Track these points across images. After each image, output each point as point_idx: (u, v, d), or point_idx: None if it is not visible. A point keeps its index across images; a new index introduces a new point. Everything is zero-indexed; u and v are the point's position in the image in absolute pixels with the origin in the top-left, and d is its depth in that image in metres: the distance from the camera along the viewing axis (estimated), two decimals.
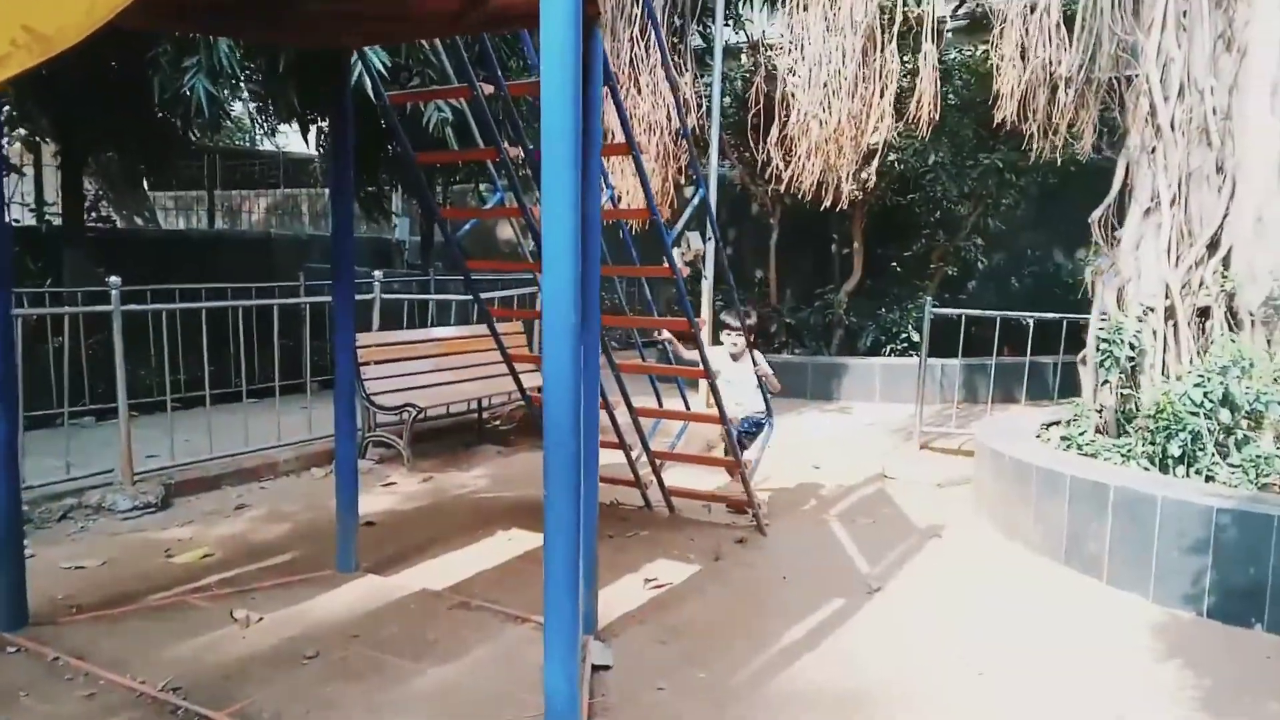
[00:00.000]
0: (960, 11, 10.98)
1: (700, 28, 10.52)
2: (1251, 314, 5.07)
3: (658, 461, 5.44)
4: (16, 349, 5.21)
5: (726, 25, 9.53)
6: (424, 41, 7.20)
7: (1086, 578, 4.65)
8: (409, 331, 7.45)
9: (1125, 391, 5.45)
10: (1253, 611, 4.12)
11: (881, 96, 8.03)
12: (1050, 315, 7.69)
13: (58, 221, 10.63)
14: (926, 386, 7.72)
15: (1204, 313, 5.25)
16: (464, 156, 7.12)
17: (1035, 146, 6.66)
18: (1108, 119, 6.50)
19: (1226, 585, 4.18)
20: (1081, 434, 5.37)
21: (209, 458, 6.01)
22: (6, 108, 8.52)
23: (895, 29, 7.93)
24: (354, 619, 3.87)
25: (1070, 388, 8.31)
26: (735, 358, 5.81)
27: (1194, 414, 4.69)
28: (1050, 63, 5.99)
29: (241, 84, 8.35)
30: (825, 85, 7.97)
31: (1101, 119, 6.20)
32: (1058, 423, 6.02)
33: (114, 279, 5.51)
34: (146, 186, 15.40)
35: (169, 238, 14.39)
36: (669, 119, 8.87)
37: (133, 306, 5.78)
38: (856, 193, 9.11)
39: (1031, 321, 7.51)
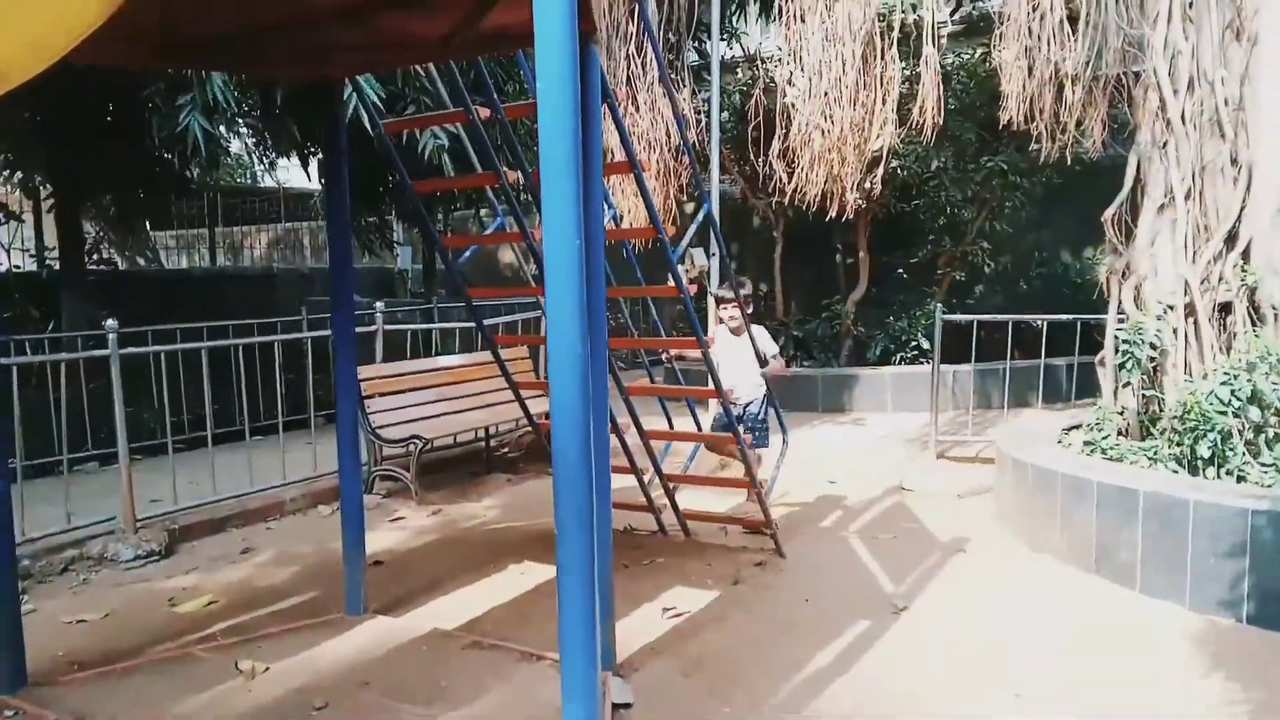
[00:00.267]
0: (956, 16, 10.90)
1: (696, 43, 10.48)
2: (1275, 308, 4.92)
3: (671, 485, 5.31)
4: (12, 407, 5.16)
5: (722, 40, 9.46)
6: (419, 68, 7.14)
7: (1119, 587, 4.51)
8: (413, 362, 7.35)
9: (1147, 392, 5.30)
10: None
11: (884, 103, 7.94)
12: (1063, 317, 7.56)
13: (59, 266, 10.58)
14: (939, 394, 7.57)
15: (1225, 308, 5.10)
16: (462, 183, 7.05)
17: (1044, 147, 6.54)
18: (1116, 115, 6.38)
19: (1266, 589, 4.03)
20: (1105, 438, 5.23)
21: (213, 500, 5.89)
22: None
23: (895, 35, 7.84)
24: (364, 664, 3.74)
25: (1085, 389, 8.18)
26: (735, 332, 5.67)
27: (1222, 413, 4.55)
28: (1056, 62, 5.87)
29: (238, 120, 8.31)
30: (826, 94, 7.88)
31: (1110, 116, 6.07)
32: (1078, 426, 5.88)
33: (110, 323, 5.42)
34: (148, 227, 15.36)
35: (171, 277, 14.36)
36: (668, 136, 8.79)
37: (131, 350, 5.68)
38: (860, 201, 9.00)
39: (1044, 324, 7.38)
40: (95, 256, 12.27)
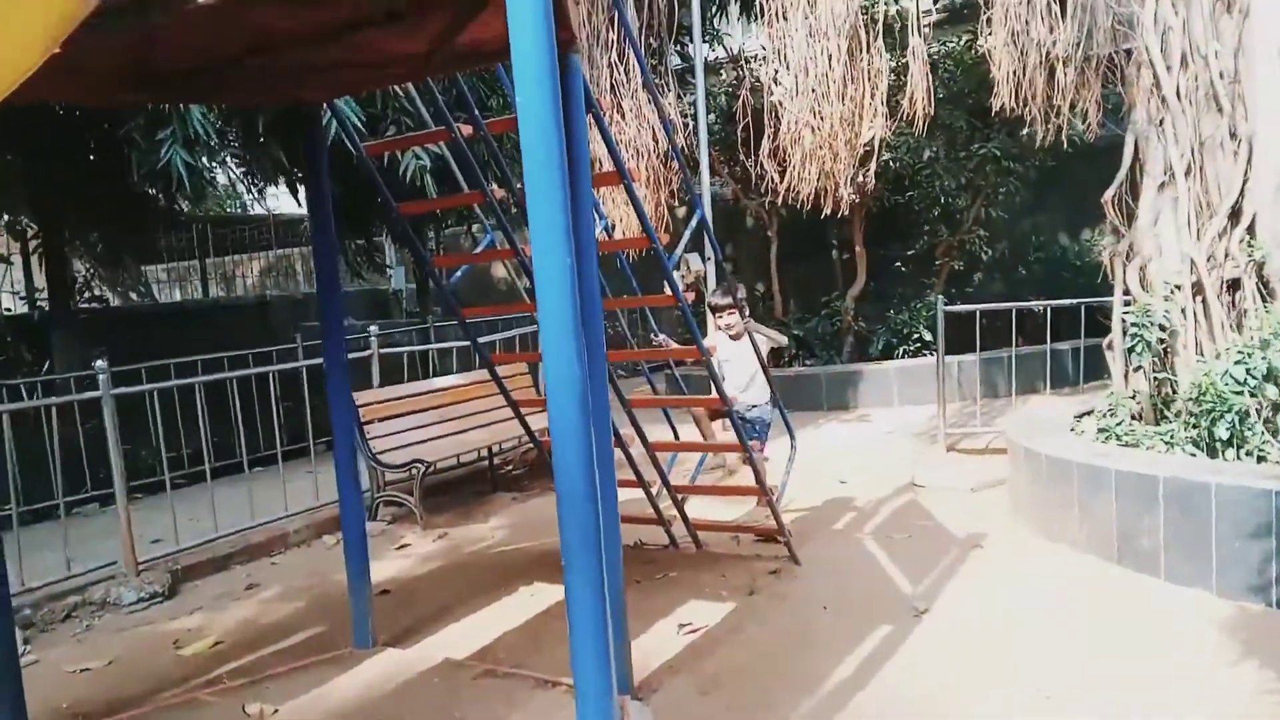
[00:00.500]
0: (938, 5, 10.83)
1: (678, 47, 10.40)
2: None
3: (679, 496, 5.21)
4: (3, 454, 5.06)
5: (705, 41, 9.39)
6: (398, 89, 7.05)
7: (1143, 576, 4.40)
8: (410, 385, 7.25)
9: (1159, 375, 5.21)
10: None
11: (873, 97, 7.85)
12: (1066, 301, 7.47)
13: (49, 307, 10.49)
14: (945, 385, 7.47)
15: (1233, 285, 5.01)
16: (449, 203, 6.95)
17: (1039, 130, 6.45)
18: (1108, 96, 6.28)
19: None
20: (1119, 424, 5.13)
21: (215, 537, 5.79)
22: None
23: (880, 26, 7.76)
24: (374, 700, 3.64)
25: (1093, 372, 8.09)
26: (735, 338, 5.58)
27: (1238, 392, 4.45)
28: (1045, 44, 5.78)
29: (221, 150, 8.22)
30: (813, 91, 7.79)
31: (1102, 96, 5.98)
32: (1090, 413, 5.78)
33: (100, 363, 5.33)
34: (139, 262, 15.28)
35: (164, 310, 14.26)
36: (655, 142, 8.71)
37: (123, 389, 5.59)
38: (854, 196, 8.91)
39: (1047, 309, 7.28)
40: (86, 295, 12.19)
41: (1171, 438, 4.79)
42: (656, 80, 9.16)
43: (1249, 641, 3.67)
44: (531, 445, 6.52)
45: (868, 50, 7.87)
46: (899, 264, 11.53)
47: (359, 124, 6.58)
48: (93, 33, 2.16)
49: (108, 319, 11.96)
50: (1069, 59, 5.56)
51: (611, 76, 8.45)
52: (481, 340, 5.84)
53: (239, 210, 21.52)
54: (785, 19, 7.69)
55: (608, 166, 7.32)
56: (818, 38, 7.60)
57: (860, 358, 10.66)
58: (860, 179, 8.84)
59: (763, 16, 8.02)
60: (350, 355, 6.51)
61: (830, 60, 7.65)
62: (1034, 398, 8.18)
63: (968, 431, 7.51)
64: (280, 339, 10.48)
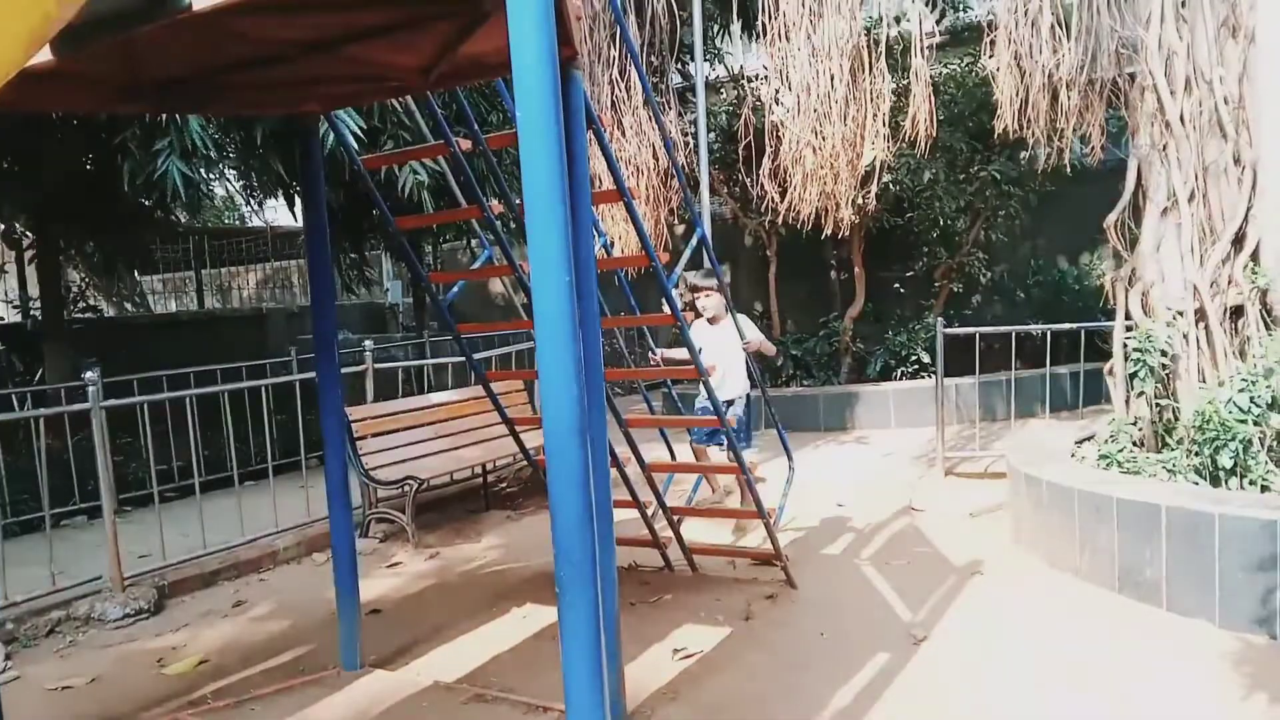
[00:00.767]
0: (941, 26, 10.84)
1: (679, 65, 10.40)
2: None
3: (675, 517, 5.14)
4: None
5: (706, 60, 9.38)
6: (397, 103, 7.02)
7: (1145, 606, 4.34)
8: (405, 400, 7.18)
9: (1161, 401, 5.16)
10: None
11: (875, 118, 7.83)
12: (1065, 325, 7.44)
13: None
14: (943, 408, 7.42)
15: (1236, 312, 4.97)
16: (447, 218, 6.91)
17: (1041, 153, 6.43)
18: (1108, 119, 6.26)
19: None
20: (1121, 450, 5.07)
21: (204, 553, 5.70)
22: None
23: (883, 47, 7.75)
24: None
25: (1092, 396, 8.05)
26: (713, 321, 5.48)
27: (1242, 421, 4.40)
28: (1049, 67, 5.76)
29: (219, 162, 8.17)
30: (815, 111, 7.77)
31: (1105, 120, 5.96)
32: (1090, 438, 5.72)
33: (90, 375, 5.25)
34: (136, 273, 15.22)
35: (159, 321, 14.20)
36: (656, 159, 8.69)
37: (113, 402, 5.51)
38: (854, 217, 8.88)
39: (1047, 333, 7.24)
40: (81, 304, 12.12)
41: (1174, 466, 4.73)
42: (658, 98, 9.15)
43: (1255, 675, 3.60)
44: (526, 463, 6.45)
45: (870, 71, 7.86)
46: (898, 285, 11.50)
47: (359, 134, 6.54)
48: (83, 40, 2.12)
49: (101, 329, 11.91)
50: (1073, 82, 5.54)
51: (613, 93, 8.44)
52: (477, 356, 5.80)
53: (237, 222, 21.51)
54: (788, 39, 7.68)
55: (607, 183, 7.29)
56: (820, 58, 7.59)
57: (858, 379, 10.61)
58: (861, 200, 8.81)
59: (765, 35, 8.01)
60: (345, 369, 6.46)
61: (833, 80, 7.63)
62: (1032, 421, 8.12)
63: (966, 455, 7.45)
64: (276, 351, 10.43)
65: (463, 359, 6.39)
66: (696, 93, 8.05)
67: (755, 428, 9.23)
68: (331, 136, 5.70)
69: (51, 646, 4.78)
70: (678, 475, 5.97)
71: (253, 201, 13.21)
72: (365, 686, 3.94)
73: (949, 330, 7.38)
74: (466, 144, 4.04)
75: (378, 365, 7.27)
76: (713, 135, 10.09)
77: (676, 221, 10.38)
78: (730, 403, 5.62)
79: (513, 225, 6.81)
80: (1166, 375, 5.08)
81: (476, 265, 5.36)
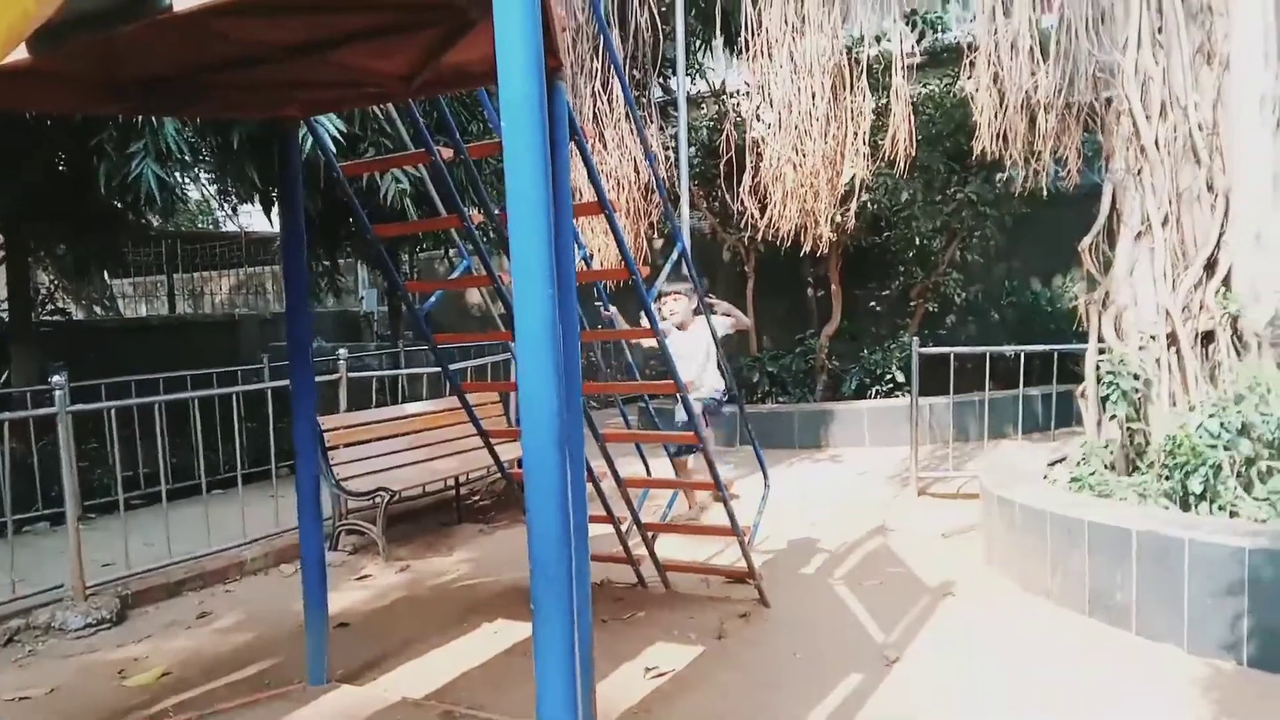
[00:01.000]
0: (920, 47, 10.96)
1: (661, 79, 10.43)
2: (1258, 335, 4.85)
3: (650, 534, 5.11)
4: None
5: (688, 75, 9.42)
6: (378, 109, 6.98)
7: (1116, 629, 4.36)
8: (377, 410, 7.10)
9: (1133, 425, 5.20)
10: None
11: (855, 137, 7.88)
12: (1039, 347, 7.50)
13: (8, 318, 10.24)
14: (917, 427, 7.45)
15: (1208, 337, 5.03)
16: (426, 226, 6.86)
17: (1019, 175, 6.49)
18: (1084, 142, 6.34)
19: (1266, 630, 3.90)
20: (1092, 473, 5.10)
21: (169, 563, 5.59)
22: None
23: (864, 66, 7.81)
24: None
25: (1063, 418, 8.13)
26: (681, 328, 5.46)
27: (1213, 446, 4.44)
28: (1027, 90, 5.83)
29: (194, 165, 8.08)
30: (796, 128, 7.81)
31: (1081, 143, 6.04)
32: (1062, 460, 5.76)
33: (57, 379, 5.15)
34: (105, 275, 14.99)
35: (128, 326, 13.99)
36: (637, 173, 8.69)
37: (80, 406, 5.40)
38: (832, 235, 8.93)
39: (1022, 354, 7.30)
40: (49, 307, 11.92)
41: (1145, 489, 4.76)
42: (639, 112, 9.16)
43: (1222, 701, 3.62)
44: (500, 476, 6.40)
45: (851, 90, 7.91)
46: (874, 304, 11.56)
47: (340, 138, 6.48)
48: (61, 39, 2.08)
49: (69, 332, 11.71)
50: (1050, 105, 5.60)
51: (594, 106, 8.44)
52: (453, 367, 5.73)
53: (211, 226, 21.28)
54: (770, 56, 7.71)
55: (588, 195, 7.28)
56: (802, 75, 7.64)
57: (833, 397, 10.63)
58: (840, 218, 8.85)
59: (747, 51, 8.05)
60: (318, 378, 6.38)
61: (814, 98, 7.67)
62: (1005, 442, 8.17)
63: (939, 475, 7.48)
64: (247, 358, 10.30)
65: (438, 369, 6.34)
66: (679, 107, 8.07)
67: (731, 444, 9.27)
68: (310, 142, 5.64)
69: (10, 656, 4.67)
70: (653, 490, 5.94)
71: (226, 206, 13.07)
72: (331, 702, 3.87)
73: (924, 350, 7.42)
74: (448, 153, 4.01)
75: (351, 375, 7.19)
76: (693, 150, 10.11)
77: (655, 235, 10.37)
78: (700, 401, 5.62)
79: (492, 235, 6.78)
80: (1138, 399, 5.12)
81: (455, 275, 5.32)
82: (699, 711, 3.68)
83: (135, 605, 5.28)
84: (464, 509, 7.33)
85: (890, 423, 9.41)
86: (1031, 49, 5.79)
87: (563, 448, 2.06)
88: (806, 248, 8.86)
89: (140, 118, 6.15)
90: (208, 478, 6.23)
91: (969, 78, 6.74)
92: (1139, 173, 5.15)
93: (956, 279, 10.60)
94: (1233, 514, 4.41)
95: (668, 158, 9.52)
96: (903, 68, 7.66)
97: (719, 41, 10.43)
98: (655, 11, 8.89)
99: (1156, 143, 5.05)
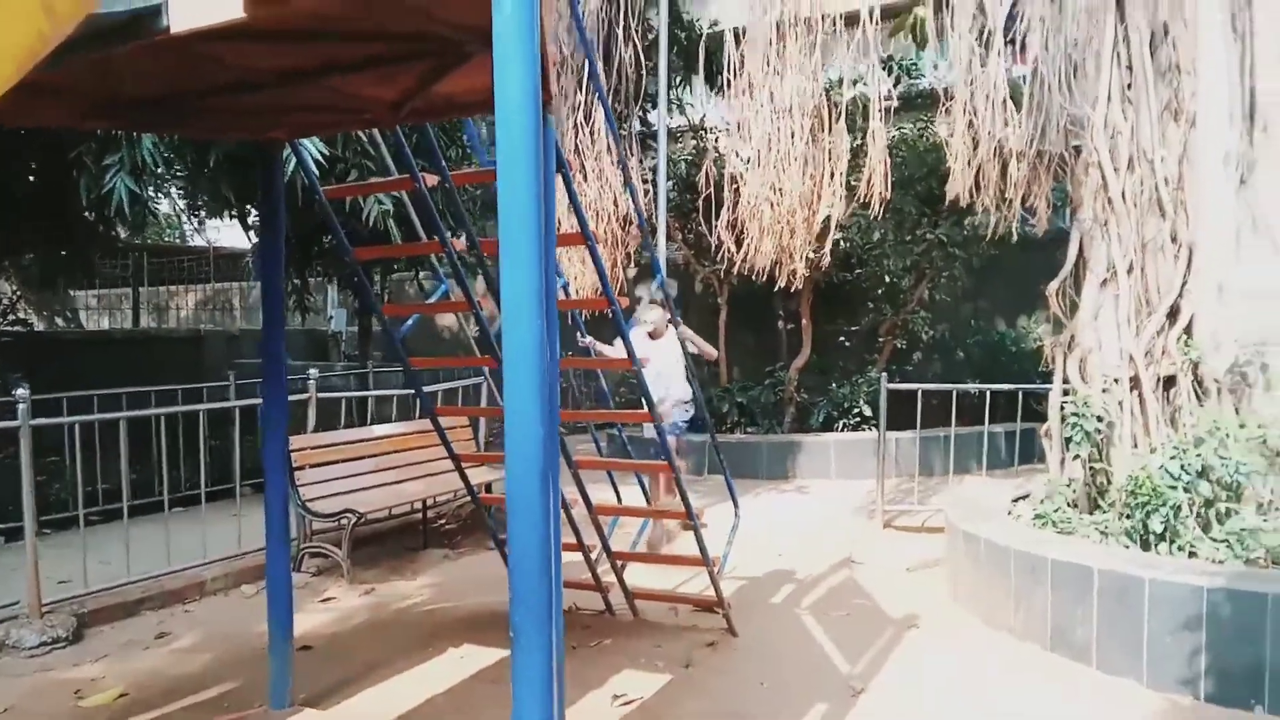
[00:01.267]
0: (897, 89, 11.21)
1: (642, 113, 10.55)
2: (1218, 381, 5.00)
3: (619, 562, 5.12)
4: None
5: (669, 110, 9.55)
6: (362, 133, 7.00)
7: (1076, 665, 4.43)
8: (346, 431, 7.05)
9: (1095, 464, 5.31)
10: (1252, 693, 3.95)
11: (832, 177, 8.01)
12: (1004, 386, 7.63)
13: None
14: (884, 461, 7.54)
15: (1169, 381, 5.16)
16: (407, 251, 6.86)
17: (990, 220, 6.64)
18: (1055, 189, 6.52)
19: (1223, 666, 4.00)
20: (1055, 510, 5.20)
21: (127, 581, 5.49)
22: None
23: (842, 108, 7.96)
24: None
25: (1026, 455, 8.26)
26: (654, 336, 5.50)
27: (1173, 487, 4.55)
28: (1000, 139, 6.00)
29: (168, 181, 8.04)
30: (775, 166, 7.93)
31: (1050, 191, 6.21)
32: (1026, 497, 5.86)
33: (21, 391, 5.07)
34: (68, 288, 14.77)
35: (91, 338, 13.79)
36: (615, 204, 8.77)
37: (42, 420, 5.32)
38: (806, 271, 9.05)
39: (987, 392, 7.42)
40: (10, 318, 11.73)
41: (1106, 528, 4.86)
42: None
43: None
44: (468, 499, 6.37)
45: (829, 131, 8.06)
46: (843, 339, 11.69)
47: (320, 161, 6.48)
48: (60, 57, 2.08)
49: (30, 344, 11.52)
50: (1022, 154, 5.76)
51: (576, 138, 8.52)
52: (424, 390, 5.72)
53: (178, 240, 21.07)
54: (751, 96, 7.85)
55: (567, 225, 7.33)
56: (781, 115, 7.77)
57: (800, 428, 10.72)
58: (814, 255, 8.98)
59: (728, 90, 8.18)
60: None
61: (793, 137, 7.81)
62: (969, 478, 8.28)
63: (904, 509, 7.56)
64: (212, 374, 10.17)
65: (408, 391, 6.31)
66: (659, 140, 8.17)
67: (700, 474, 9.29)
68: (292, 163, 5.65)
69: None
70: (623, 518, 5.95)
71: (194, 220, 12.97)
72: None
73: (892, 385, 7.52)
74: (433, 179, 4.04)
75: (321, 395, 7.13)
76: (671, 183, 10.22)
77: (631, 264, 10.45)
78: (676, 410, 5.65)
79: (469, 259, 6.80)
80: (1101, 440, 5.23)
81: (433, 299, 5.32)
82: None
83: (92, 624, 5.17)
84: (430, 533, 7.28)
85: (857, 455, 9.50)
86: (1005, 100, 5.96)
87: (547, 479, 2.09)
88: (781, 283, 8.96)
89: (118, 131, 6.12)
90: (169, 495, 6.13)
91: (944, 124, 6.90)
92: (1106, 223, 5.30)
93: (924, 317, 10.78)
94: (1192, 554, 4.51)
95: (646, 190, 9.62)
96: (879, 111, 7.82)
97: (700, 79, 10.60)
98: (640, 47, 9.02)
99: (1124, 194, 5.21)
